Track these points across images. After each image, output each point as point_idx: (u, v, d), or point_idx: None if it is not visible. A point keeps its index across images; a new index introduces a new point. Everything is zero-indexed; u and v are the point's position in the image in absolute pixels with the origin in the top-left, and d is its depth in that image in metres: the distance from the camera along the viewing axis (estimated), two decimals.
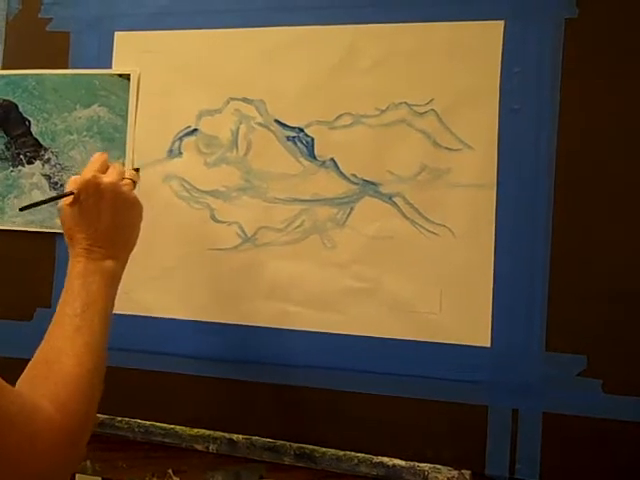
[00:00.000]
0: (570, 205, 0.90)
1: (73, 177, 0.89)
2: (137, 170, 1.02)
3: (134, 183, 0.95)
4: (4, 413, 0.57)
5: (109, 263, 0.85)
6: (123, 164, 0.97)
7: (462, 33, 0.94)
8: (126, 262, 0.89)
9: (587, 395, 0.89)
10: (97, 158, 0.93)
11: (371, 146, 0.97)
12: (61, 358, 0.72)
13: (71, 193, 0.88)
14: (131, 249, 0.91)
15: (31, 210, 1.01)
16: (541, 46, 0.91)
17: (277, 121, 1.01)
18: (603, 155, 0.89)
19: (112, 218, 0.87)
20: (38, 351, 0.75)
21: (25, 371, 0.73)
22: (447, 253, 0.94)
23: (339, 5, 0.99)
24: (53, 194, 1.09)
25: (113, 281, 0.85)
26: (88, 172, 0.88)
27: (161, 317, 1.04)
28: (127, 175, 0.94)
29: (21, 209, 0.92)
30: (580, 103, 0.90)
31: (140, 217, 0.93)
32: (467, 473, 0.92)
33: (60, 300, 0.81)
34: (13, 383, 0.67)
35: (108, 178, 0.88)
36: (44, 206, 1.02)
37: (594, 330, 0.89)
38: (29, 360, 0.74)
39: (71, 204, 0.87)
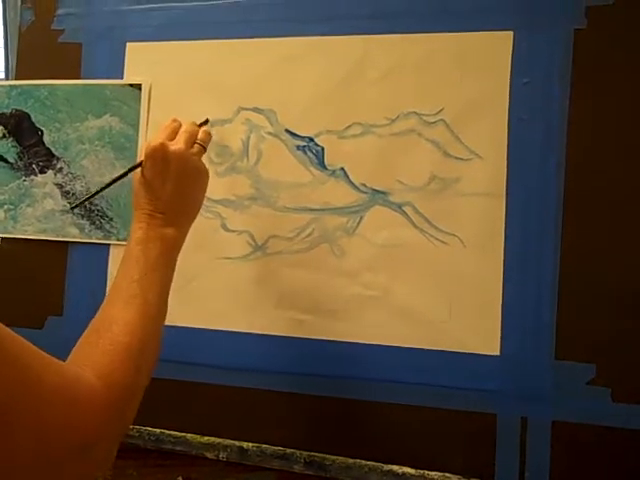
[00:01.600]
0: (579, 214, 0.90)
1: (146, 143, 0.89)
2: (206, 122, 1.01)
3: (204, 149, 0.94)
4: (47, 383, 0.57)
5: (170, 230, 0.84)
6: (197, 124, 0.95)
7: (471, 43, 0.95)
8: (187, 231, 0.88)
9: (596, 404, 0.89)
10: (168, 124, 0.92)
11: (381, 155, 0.98)
12: (112, 327, 0.71)
13: (139, 164, 0.88)
14: (193, 218, 0.90)
15: (43, 218, 1.03)
16: (550, 56, 0.92)
17: (287, 130, 1.02)
18: (612, 165, 0.90)
19: (176, 187, 0.86)
20: (93, 319, 0.74)
21: (79, 340, 0.71)
22: (456, 262, 0.95)
23: (349, 16, 1.00)
24: (65, 203, 1.10)
25: (174, 249, 0.85)
26: (156, 139, 0.88)
27: (173, 325, 1.04)
28: (199, 138, 0.92)
29: (73, 207, 0.91)
30: (589, 113, 0.90)
31: (205, 186, 0.91)
32: None
33: (119, 267, 0.80)
34: None
35: (175, 146, 0.87)
36: (57, 214, 1.04)
37: (603, 339, 0.89)
38: None
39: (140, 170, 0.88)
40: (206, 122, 1.00)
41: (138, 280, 0.77)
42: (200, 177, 0.90)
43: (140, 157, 0.89)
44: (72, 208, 0.92)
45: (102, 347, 0.69)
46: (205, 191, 0.92)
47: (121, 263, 0.81)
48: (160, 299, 0.79)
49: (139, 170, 0.88)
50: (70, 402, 0.59)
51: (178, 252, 0.86)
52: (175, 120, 0.94)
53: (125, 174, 0.93)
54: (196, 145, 0.92)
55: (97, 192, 0.94)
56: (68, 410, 0.59)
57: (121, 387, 0.66)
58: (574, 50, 0.91)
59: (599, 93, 0.90)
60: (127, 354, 0.69)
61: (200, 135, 0.93)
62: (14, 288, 1.14)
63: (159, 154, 0.86)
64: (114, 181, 0.94)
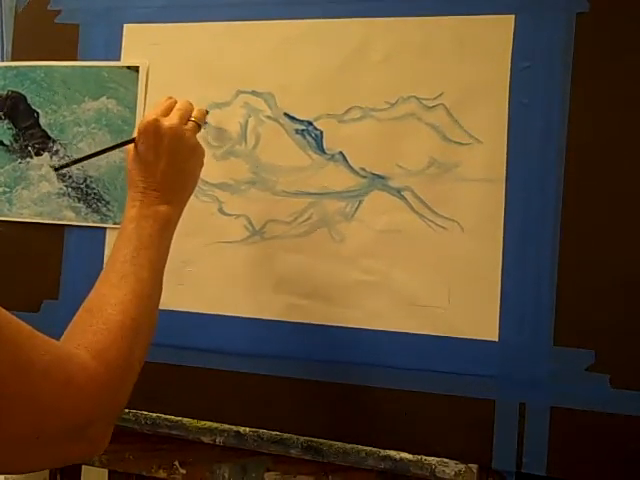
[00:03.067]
0: (579, 200, 0.90)
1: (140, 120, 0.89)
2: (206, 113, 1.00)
3: (199, 126, 0.93)
4: (38, 363, 0.57)
5: (164, 208, 0.83)
6: (190, 103, 0.94)
7: (472, 27, 0.94)
8: (183, 208, 0.88)
9: (595, 390, 0.89)
10: (163, 101, 0.92)
11: (380, 140, 0.97)
12: (104, 306, 0.71)
13: (132, 140, 0.88)
14: (189, 195, 0.89)
15: (39, 201, 1.02)
16: (552, 40, 0.91)
17: (286, 114, 1.01)
18: (613, 150, 0.89)
19: (170, 163, 0.85)
20: (86, 298, 0.74)
21: (72, 320, 0.71)
22: (455, 247, 0.94)
23: None
24: (62, 185, 1.09)
25: (168, 226, 0.84)
26: (150, 115, 0.88)
27: (169, 310, 1.04)
28: (194, 115, 0.92)
29: (57, 168, 0.91)
30: (590, 98, 0.90)
31: (200, 163, 0.92)
32: (474, 467, 0.92)
33: (113, 245, 0.80)
34: None
35: (168, 122, 0.86)
36: (53, 197, 1.03)
37: (602, 325, 0.89)
38: None
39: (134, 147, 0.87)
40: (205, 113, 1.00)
41: (131, 259, 0.77)
42: (195, 153, 0.90)
43: (124, 140, 0.90)
44: (56, 169, 0.91)
45: (95, 326, 0.69)
46: (200, 168, 0.92)
47: (115, 242, 0.81)
48: (154, 277, 0.79)
49: (132, 147, 0.88)
50: (63, 382, 0.59)
51: (174, 229, 0.85)
52: (170, 97, 0.93)
53: (117, 146, 0.93)
54: (190, 122, 0.91)
55: (84, 158, 0.93)
56: (61, 390, 0.59)
57: (115, 366, 0.66)
58: (576, 34, 0.90)
59: (601, 77, 0.90)
60: (120, 333, 0.69)
61: (195, 113, 0.93)
62: (10, 271, 1.13)
63: (152, 129, 0.86)
64: (104, 151, 0.93)
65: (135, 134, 0.88)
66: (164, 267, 0.82)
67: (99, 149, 0.93)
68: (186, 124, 0.90)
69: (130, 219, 0.82)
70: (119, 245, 0.80)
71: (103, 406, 0.64)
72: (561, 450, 0.90)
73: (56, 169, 0.90)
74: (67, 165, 0.90)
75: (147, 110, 1.07)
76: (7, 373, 0.54)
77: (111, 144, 0.97)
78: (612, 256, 0.89)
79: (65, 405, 0.59)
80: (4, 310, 0.55)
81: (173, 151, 0.86)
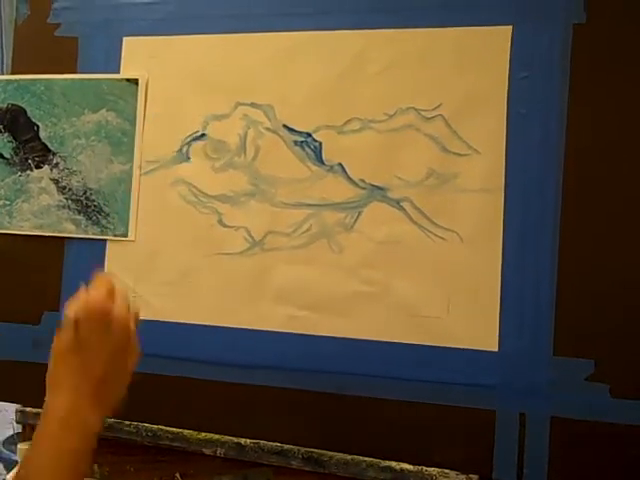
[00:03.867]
0: (578, 209, 0.90)
1: (71, 302, 0.72)
2: None
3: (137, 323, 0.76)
4: None
5: (94, 418, 0.70)
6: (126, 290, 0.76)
7: (470, 38, 0.94)
8: (105, 418, 0.73)
9: (595, 399, 0.89)
10: (102, 281, 0.74)
11: (379, 151, 0.98)
12: None
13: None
14: (114, 405, 0.73)
15: (39, 214, 1.02)
16: (549, 51, 0.91)
17: (285, 126, 1.01)
18: (611, 159, 0.89)
19: (113, 361, 0.71)
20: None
21: None
22: (455, 258, 0.94)
23: (347, 10, 0.99)
24: (62, 198, 1.10)
25: (91, 442, 0.69)
26: (97, 294, 0.71)
27: (169, 321, 1.04)
28: (133, 307, 0.75)
29: None
30: (588, 107, 0.90)
31: (134, 366, 0.74)
32: (475, 477, 0.92)
33: (33, 440, 0.69)
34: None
35: (119, 309, 0.71)
36: (53, 210, 1.04)
37: (602, 335, 0.89)
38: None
39: (69, 333, 0.70)
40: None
41: (49, 466, 0.67)
42: (134, 352, 0.74)
43: (65, 312, 0.72)
44: None
45: None
46: (131, 374, 0.75)
47: (35, 437, 0.69)
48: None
49: (64, 335, 0.71)
50: None
51: (95, 441, 0.70)
52: (108, 277, 0.75)
53: None
54: (133, 313, 0.75)
55: None
56: None
57: None
58: (573, 45, 0.91)
59: (598, 87, 0.90)
60: None
61: (133, 304, 0.76)
62: (10, 284, 1.13)
63: (100, 315, 0.70)
64: None
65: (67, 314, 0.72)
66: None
67: None
68: (130, 315, 0.74)
69: (59, 421, 0.68)
70: (40, 447, 0.68)
71: None
72: (561, 460, 0.89)
73: None
74: None
75: (149, 127, 1.07)
76: None
77: (111, 157, 0.95)
78: (611, 265, 0.89)
79: None
80: None
81: (119, 347, 0.72)
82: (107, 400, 0.72)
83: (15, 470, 0.71)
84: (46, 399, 0.70)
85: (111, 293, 0.72)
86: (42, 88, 1.12)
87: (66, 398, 0.69)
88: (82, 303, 0.71)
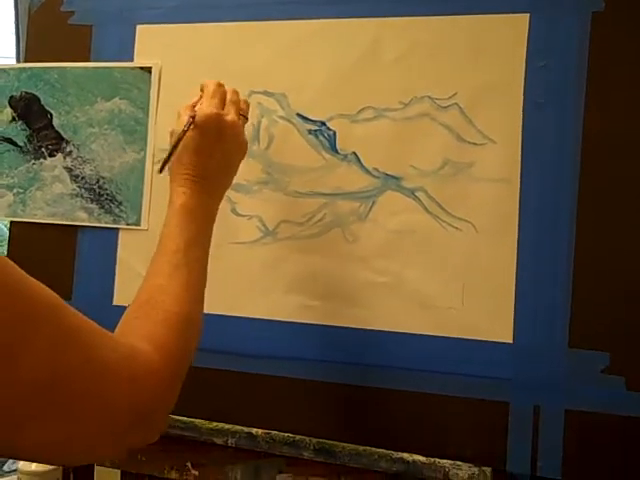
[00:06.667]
0: (595, 200, 0.89)
1: (189, 106, 0.88)
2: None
3: (246, 119, 0.93)
4: (107, 361, 0.59)
5: (210, 201, 0.84)
6: (238, 93, 0.92)
7: (486, 26, 0.93)
8: (220, 201, 0.88)
9: (610, 392, 0.88)
10: (216, 89, 0.89)
11: (393, 140, 0.97)
12: (162, 297, 0.73)
13: (191, 120, 0.84)
14: (227, 189, 0.89)
15: (53, 202, 1.03)
16: (567, 40, 0.90)
17: (299, 114, 1.01)
18: (629, 148, 0.88)
19: (223, 157, 0.86)
20: (140, 288, 0.75)
21: (128, 309, 0.73)
22: (469, 248, 0.94)
23: None
24: (75, 186, 1.09)
25: (213, 220, 0.85)
26: (210, 106, 0.86)
27: None
28: (242, 108, 0.91)
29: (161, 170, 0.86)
30: (605, 96, 0.89)
31: (243, 158, 0.91)
32: (488, 470, 0.91)
33: (163, 232, 0.80)
34: None
35: (230, 117, 0.86)
36: (66, 198, 1.05)
37: (618, 327, 0.88)
38: None
39: (190, 133, 0.85)
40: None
41: (184, 250, 0.77)
42: (242, 149, 0.90)
43: (181, 121, 0.86)
44: (160, 171, 0.87)
45: (154, 317, 0.71)
46: (240, 162, 0.91)
47: (165, 228, 0.80)
48: (203, 269, 0.80)
49: (188, 134, 0.85)
50: (131, 377, 0.61)
51: (214, 222, 0.85)
52: (220, 85, 0.90)
53: (184, 133, 0.86)
54: (241, 117, 0.91)
55: (171, 152, 0.86)
56: (129, 385, 0.61)
57: (176, 358, 0.69)
58: (591, 33, 0.90)
59: (616, 76, 0.89)
60: (179, 325, 0.71)
61: (242, 105, 0.92)
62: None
63: (214, 124, 0.85)
64: (176, 145, 0.86)
65: (182, 120, 0.86)
66: (208, 260, 0.82)
67: (173, 144, 0.86)
68: (239, 119, 0.89)
69: (179, 210, 0.81)
70: (169, 235, 0.79)
71: (164, 397, 0.66)
72: (576, 453, 0.89)
73: (160, 171, 0.86)
74: (165, 163, 0.86)
75: (162, 115, 1.07)
76: (80, 372, 0.56)
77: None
78: (628, 256, 0.88)
79: (132, 401, 0.61)
80: (74, 310, 0.58)
81: (229, 147, 0.87)
82: (218, 187, 0.87)
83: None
84: (169, 197, 0.83)
85: (222, 101, 0.88)
86: (55, 76, 1.12)
87: (186, 184, 0.82)
88: (200, 112, 0.85)
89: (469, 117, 0.94)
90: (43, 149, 1.12)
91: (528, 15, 0.92)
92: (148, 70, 1.08)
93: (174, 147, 0.85)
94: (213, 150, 0.85)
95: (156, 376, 0.64)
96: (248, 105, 0.95)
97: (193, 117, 0.84)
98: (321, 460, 0.98)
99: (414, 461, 0.94)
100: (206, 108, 0.86)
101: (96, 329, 0.60)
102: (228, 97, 0.90)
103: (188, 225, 0.80)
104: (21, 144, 1.13)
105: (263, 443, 1.00)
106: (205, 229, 0.82)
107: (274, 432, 1.00)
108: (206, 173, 0.84)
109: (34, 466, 1.11)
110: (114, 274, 1.09)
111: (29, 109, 1.13)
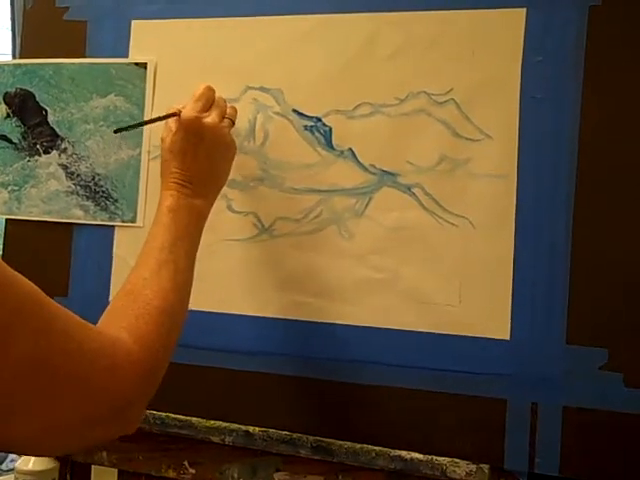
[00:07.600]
0: (592, 195, 0.89)
1: (176, 106, 0.91)
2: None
3: (232, 123, 0.96)
4: (86, 351, 0.60)
5: (199, 201, 0.87)
6: (224, 100, 0.96)
7: (483, 21, 0.93)
8: (213, 202, 0.91)
9: (608, 389, 0.87)
10: (202, 93, 0.92)
11: (390, 136, 0.96)
12: (145, 291, 0.75)
13: (174, 114, 0.90)
14: (220, 190, 0.93)
15: (48, 200, 1.02)
16: (564, 34, 0.90)
17: (295, 110, 1.00)
18: (626, 145, 0.88)
19: (207, 159, 0.89)
20: (125, 281, 0.78)
21: (112, 300, 0.76)
22: (466, 244, 0.93)
23: None
24: (70, 183, 1.09)
25: (201, 220, 0.88)
26: (191, 110, 0.89)
27: None
28: (227, 113, 0.95)
29: (116, 131, 0.94)
30: (603, 92, 0.89)
31: (232, 159, 0.95)
32: (486, 467, 0.91)
33: (150, 232, 0.84)
34: None
35: (210, 119, 0.89)
36: (62, 196, 1.04)
37: (615, 323, 0.87)
38: None
39: (171, 136, 0.89)
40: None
41: (169, 247, 0.81)
42: (229, 150, 0.94)
43: (167, 127, 0.91)
44: (116, 132, 0.92)
45: (136, 310, 0.73)
46: (231, 163, 0.95)
47: (151, 228, 0.84)
48: (189, 267, 0.83)
49: (169, 137, 0.90)
50: (109, 367, 0.62)
51: (204, 223, 0.89)
52: (210, 89, 0.93)
53: (160, 119, 0.93)
54: (226, 119, 0.94)
55: (138, 124, 0.96)
56: (108, 375, 0.62)
57: (154, 351, 0.70)
58: (588, 27, 0.89)
59: (613, 71, 0.88)
60: (160, 318, 0.73)
61: (229, 110, 0.96)
62: (19, 269, 1.12)
63: (193, 127, 0.88)
64: (147, 122, 0.97)
65: (169, 112, 0.91)
66: (195, 258, 0.85)
67: (144, 120, 0.96)
68: (223, 121, 0.93)
69: (167, 209, 0.85)
70: (157, 233, 0.83)
71: (143, 389, 0.68)
72: (574, 450, 0.88)
73: (115, 131, 0.91)
74: (124, 129, 0.93)
75: (157, 112, 1.05)
76: (59, 361, 0.57)
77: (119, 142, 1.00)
78: (626, 252, 0.87)
79: (111, 390, 0.62)
80: (54, 302, 0.58)
81: (211, 149, 0.90)
82: (207, 188, 0.90)
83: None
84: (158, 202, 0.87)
85: (207, 104, 0.91)
86: (50, 72, 1.11)
87: (173, 187, 0.87)
88: (184, 114, 0.89)
89: (465, 113, 0.94)
90: (38, 146, 1.12)
91: (525, 10, 0.91)
92: (143, 66, 1.07)
93: (146, 122, 0.93)
94: (196, 152, 0.88)
95: (135, 366, 0.66)
96: (235, 110, 0.98)
97: (179, 112, 0.89)
98: (318, 458, 0.98)
99: (412, 459, 0.93)
100: (187, 111, 0.89)
101: (75, 320, 0.61)
102: (215, 103, 0.94)
103: (174, 225, 0.83)
104: (16, 141, 1.13)
105: (260, 441, 1.00)
106: (192, 229, 0.85)
107: (271, 430, 1.00)
108: (193, 175, 0.88)
109: (31, 465, 1.10)
110: (110, 271, 1.09)
111: (24, 106, 1.12)
